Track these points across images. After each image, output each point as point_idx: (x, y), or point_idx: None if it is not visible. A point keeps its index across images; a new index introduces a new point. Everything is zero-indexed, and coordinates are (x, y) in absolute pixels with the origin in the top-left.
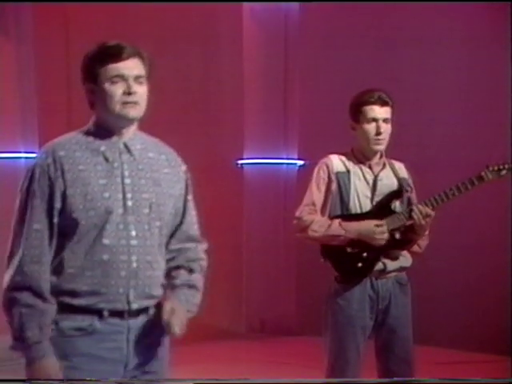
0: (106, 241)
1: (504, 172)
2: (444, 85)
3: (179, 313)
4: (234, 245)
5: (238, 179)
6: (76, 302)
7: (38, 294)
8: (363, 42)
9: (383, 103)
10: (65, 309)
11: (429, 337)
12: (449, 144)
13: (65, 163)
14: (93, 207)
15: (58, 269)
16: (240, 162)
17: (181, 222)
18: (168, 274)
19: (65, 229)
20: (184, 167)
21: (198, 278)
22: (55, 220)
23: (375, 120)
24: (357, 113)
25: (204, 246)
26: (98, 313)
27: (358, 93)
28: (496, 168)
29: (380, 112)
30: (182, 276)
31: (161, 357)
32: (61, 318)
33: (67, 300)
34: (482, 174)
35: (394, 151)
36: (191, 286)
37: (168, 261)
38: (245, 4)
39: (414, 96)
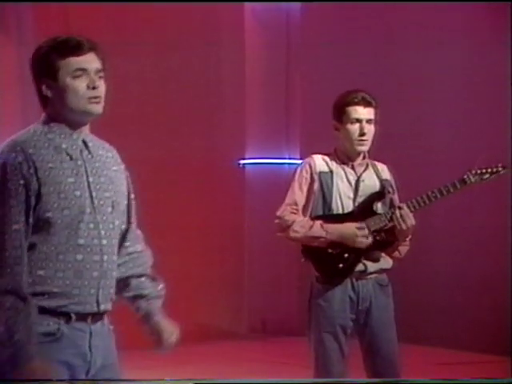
0: (80, 241)
1: (487, 176)
2: (445, 84)
3: (175, 329)
4: (235, 245)
5: (240, 179)
6: (46, 303)
7: (22, 296)
8: (364, 41)
9: (367, 104)
10: None
11: (430, 337)
12: (449, 144)
13: (36, 161)
14: (67, 206)
15: (27, 270)
16: (242, 161)
17: (129, 222)
18: (130, 282)
19: (37, 228)
20: (123, 165)
21: (162, 283)
22: (31, 220)
23: (359, 121)
24: (340, 113)
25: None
26: (66, 316)
27: (342, 93)
28: (479, 172)
29: (363, 113)
30: (149, 286)
31: (115, 363)
32: None
33: (35, 302)
34: (465, 177)
35: (394, 151)
36: (161, 297)
37: (121, 264)
38: (246, 4)
39: (415, 95)
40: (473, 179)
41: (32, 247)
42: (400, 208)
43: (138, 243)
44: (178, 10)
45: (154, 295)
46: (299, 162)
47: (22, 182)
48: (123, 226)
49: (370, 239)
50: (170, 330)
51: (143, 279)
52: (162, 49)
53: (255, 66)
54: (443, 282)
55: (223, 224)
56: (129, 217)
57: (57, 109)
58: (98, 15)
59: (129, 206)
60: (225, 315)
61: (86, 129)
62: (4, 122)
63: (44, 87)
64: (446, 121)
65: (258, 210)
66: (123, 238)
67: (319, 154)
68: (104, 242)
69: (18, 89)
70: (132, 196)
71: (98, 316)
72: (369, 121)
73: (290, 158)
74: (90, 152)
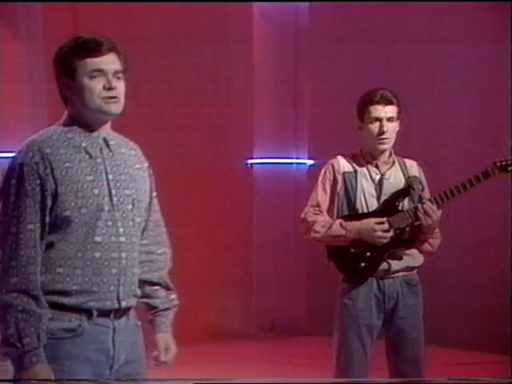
0: (98, 238)
1: (511, 168)
2: (450, 84)
3: (172, 346)
4: (244, 245)
5: (248, 179)
6: (66, 300)
7: (35, 298)
8: (373, 41)
9: (387, 102)
10: (52, 308)
11: (439, 338)
12: (458, 141)
13: (52, 161)
14: (85, 205)
15: (46, 268)
16: (250, 161)
17: (147, 220)
18: (143, 287)
19: (55, 227)
20: (147, 163)
21: (175, 294)
22: (47, 219)
23: (379, 119)
24: (362, 113)
25: (170, 250)
26: (87, 312)
27: (363, 93)
28: (504, 163)
29: (384, 111)
30: (161, 296)
31: (140, 357)
32: (48, 319)
33: (55, 299)
34: (489, 169)
35: (402, 150)
36: (174, 306)
37: (141, 263)
38: (255, 4)
39: (423, 93)
40: (497, 171)
41: (51, 245)
42: (423, 203)
43: (156, 243)
44: (186, 9)
45: (163, 307)
46: (307, 161)
47: (38, 181)
48: (143, 224)
49: (391, 234)
50: (166, 348)
51: (157, 288)
52: (170, 48)
53: (264, 65)
54: (450, 283)
55: (231, 224)
56: (148, 215)
57: (76, 108)
58: (106, 12)
59: (150, 203)
60: (233, 315)
61: (106, 127)
62: (13, 122)
63: (63, 86)
64: (453, 118)
65: (266, 209)
66: (141, 235)
67: (344, 154)
68: (122, 239)
69: (26, 88)
70: (154, 194)
71: (120, 312)
72: (389, 119)
73: (298, 158)
74: (110, 150)
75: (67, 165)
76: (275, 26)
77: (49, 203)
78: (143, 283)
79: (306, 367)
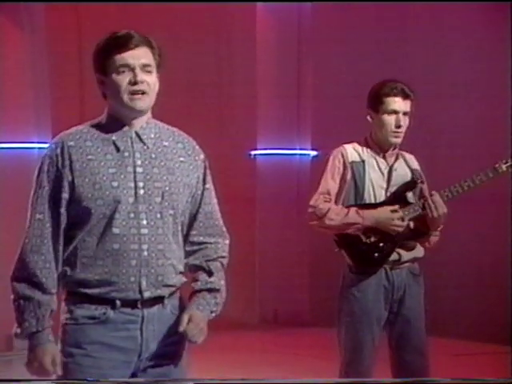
0: (115, 230)
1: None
2: (450, 83)
3: (196, 320)
4: (247, 236)
5: (252, 170)
6: (89, 291)
7: (36, 285)
8: (374, 36)
9: (406, 96)
10: (79, 298)
11: (445, 329)
12: (459, 138)
13: (73, 153)
14: (101, 196)
15: (71, 259)
16: (253, 152)
17: (197, 212)
18: (190, 271)
19: (75, 219)
20: (202, 156)
21: (217, 279)
22: (62, 210)
23: (396, 112)
24: (377, 103)
25: (226, 241)
26: (111, 302)
27: (381, 82)
28: (509, 163)
29: (402, 105)
30: (201, 279)
31: (177, 349)
32: (75, 307)
33: (81, 289)
34: (497, 166)
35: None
36: (211, 290)
37: (188, 254)
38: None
39: (425, 91)
40: (504, 168)
41: (75, 236)
42: (432, 195)
43: (208, 235)
44: (190, 7)
45: (197, 288)
46: (310, 152)
47: (56, 173)
48: (192, 215)
49: (405, 223)
50: (189, 322)
51: (199, 272)
52: (174, 41)
53: (267, 57)
54: (451, 276)
55: (234, 214)
56: (198, 206)
57: (109, 103)
58: (108, 7)
59: (202, 195)
60: (236, 306)
61: (141, 121)
62: (17, 112)
63: (98, 82)
64: (454, 113)
65: (270, 200)
66: (190, 226)
67: (349, 143)
68: (144, 231)
69: (29, 78)
70: (207, 186)
71: (150, 301)
72: (405, 113)
73: (301, 149)
74: (144, 144)
75: (90, 157)
76: (278, 20)
77: (65, 195)
78: (190, 269)
79: (308, 358)
